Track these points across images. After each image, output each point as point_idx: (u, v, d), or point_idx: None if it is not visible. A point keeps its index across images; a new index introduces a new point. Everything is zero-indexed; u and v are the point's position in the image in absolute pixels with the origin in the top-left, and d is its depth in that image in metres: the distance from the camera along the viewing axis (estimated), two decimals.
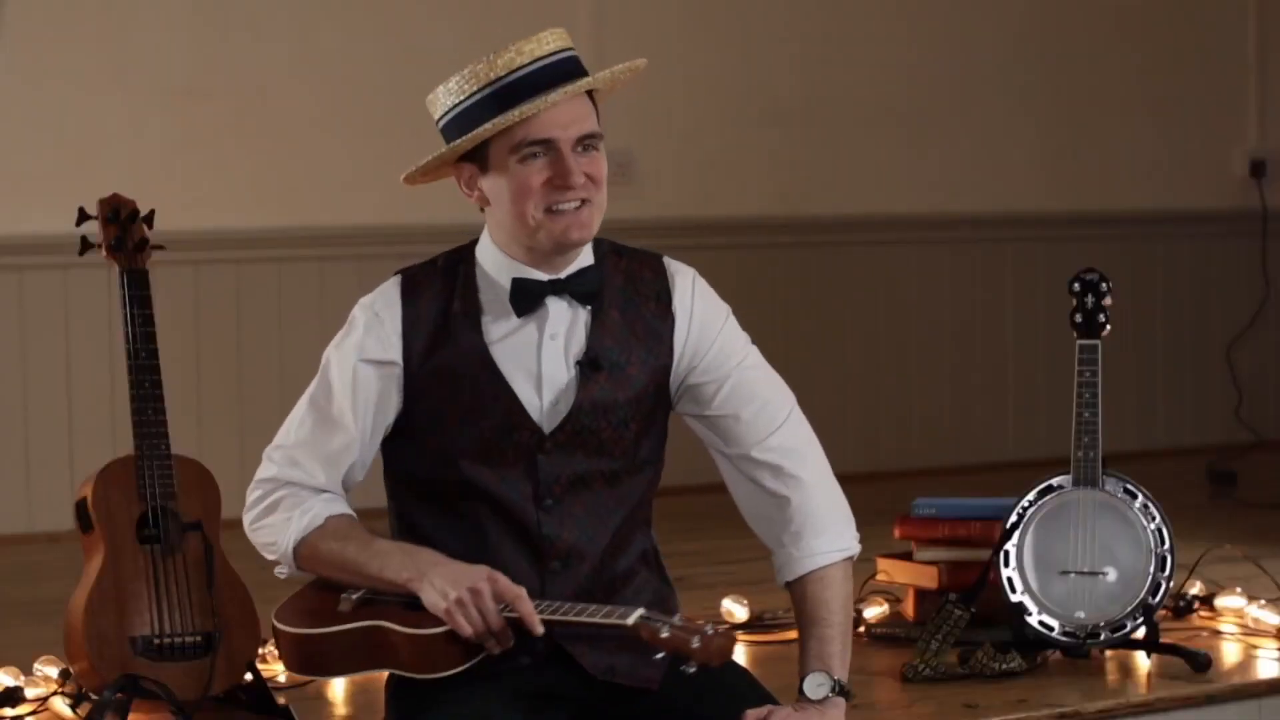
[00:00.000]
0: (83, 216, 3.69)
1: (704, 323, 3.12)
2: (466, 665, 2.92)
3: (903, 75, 7.04)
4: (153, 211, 3.71)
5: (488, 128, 2.95)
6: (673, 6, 6.72)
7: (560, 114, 2.95)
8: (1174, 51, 7.47)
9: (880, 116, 7.02)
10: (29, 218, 5.87)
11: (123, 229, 3.66)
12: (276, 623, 3.05)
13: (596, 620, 2.87)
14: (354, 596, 3.00)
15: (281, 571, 3.12)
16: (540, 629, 2.89)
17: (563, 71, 2.97)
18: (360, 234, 6.25)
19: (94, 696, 3.57)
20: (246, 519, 3.12)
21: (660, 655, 2.90)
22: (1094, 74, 7.35)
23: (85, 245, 3.70)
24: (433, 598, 2.91)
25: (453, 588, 2.89)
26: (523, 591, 2.90)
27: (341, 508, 3.08)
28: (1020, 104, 7.24)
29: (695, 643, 2.78)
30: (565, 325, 3.05)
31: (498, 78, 2.95)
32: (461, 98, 2.98)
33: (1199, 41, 7.51)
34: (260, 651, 3.82)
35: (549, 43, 2.98)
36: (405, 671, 2.96)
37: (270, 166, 6.21)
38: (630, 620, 2.84)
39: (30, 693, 3.86)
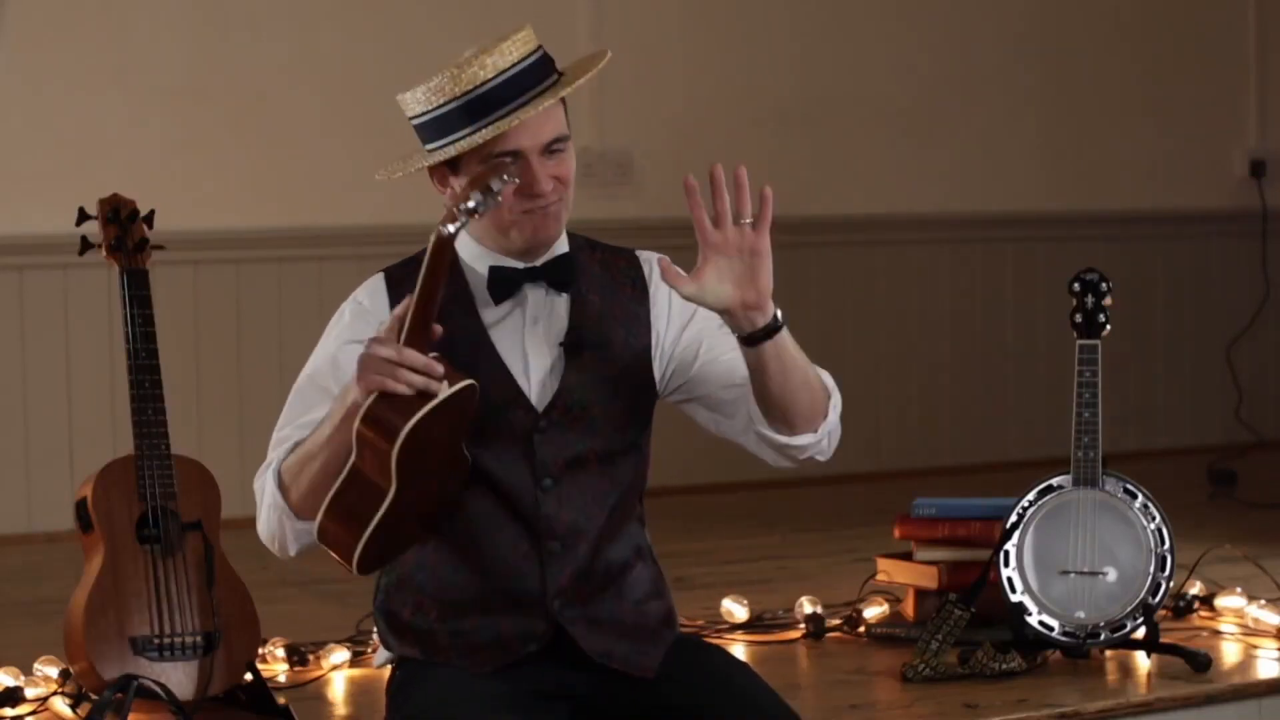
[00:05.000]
0: (83, 216, 3.69)
1: (682, 305, 3.13)
2: (429, 407, 2.80)
3: (903, 75, 7.05)
4: (153, 211, 3.71)
5: (462, 145, 2.98)
6: (673, 6, 6.72)
7: (527, 125, 2.99)
8: (1174, 51, 7.47)
9: (880, 116, 7.02)
10: (29, 218, 5.87)
11: (123, 229, 3.66)
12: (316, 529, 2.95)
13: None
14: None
15: (290, 549, 3.04)
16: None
17: (530, 80, 3.00)
18: (360, 234, 6.26)
19: (94, 696, 3.57)
20: (258, 520, 3.08)
21: None
22: (1094, 74, 7.35)
23: (85, 245, 3.70)
24: (357, 393, 2.83)
25: (357, 371, 2.83)
26: (395, 314, 2.84)
27: None
28: (1021, 104, 7.24)
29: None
30: (545, 311, 3.10)
31: (463, 92, 2.98)
32: (429, 108, 3.02)
33: (1199, 41, 7.51)
34: (260, 651, 3.82)
35: (511, 53, 3.00)
36: (397, 444, 2.80)
37: (270, 167, 6.21)
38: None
39: (30, 693, 3.87)
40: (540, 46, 3.04)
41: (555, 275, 3.09)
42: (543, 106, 2.98)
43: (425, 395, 2.81)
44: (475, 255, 3.11)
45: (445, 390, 2.82)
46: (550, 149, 3.02)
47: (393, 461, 2.80)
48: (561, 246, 3.12)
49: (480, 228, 3.08)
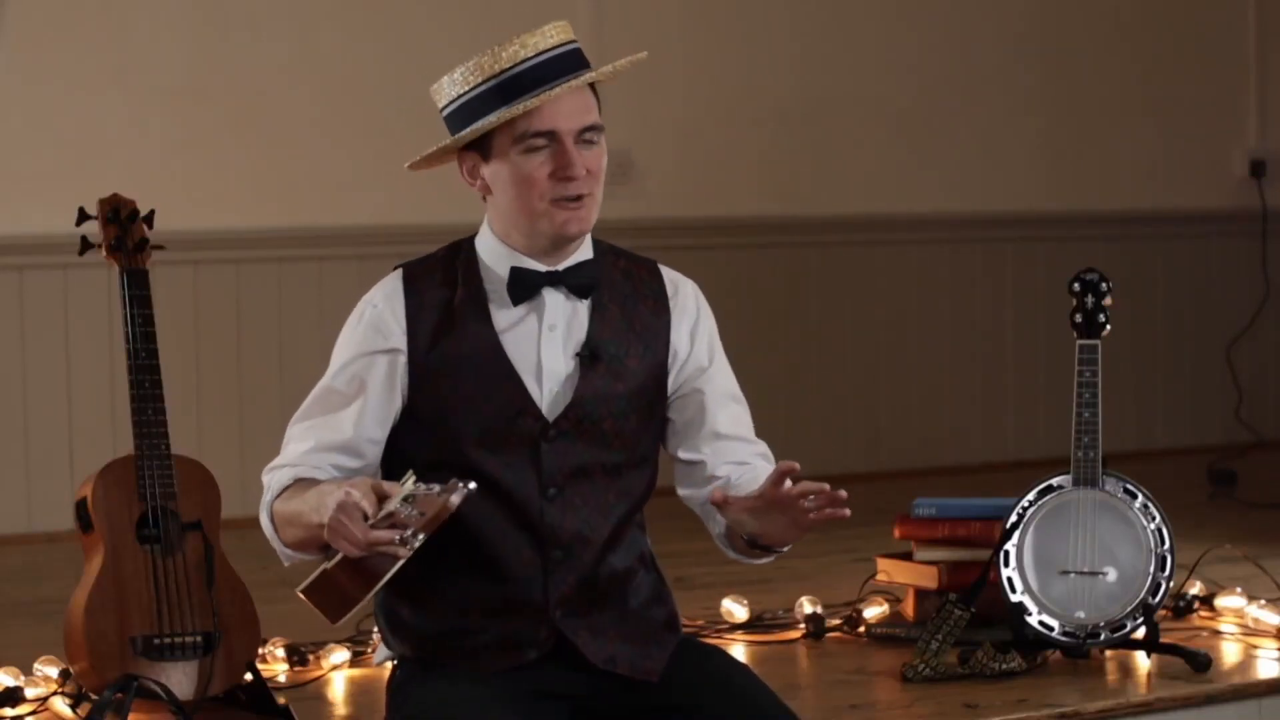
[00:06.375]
0: (83, 216, 3.69)
1: (710, 335, 3.19)
2: (394, 570, 2.84)
3: (903, 75, 7.04)
4: (153, 211, 3.71)
5: (492, 120, 2.99)
6: (673, 6, 6.72)
7: (563, 106, 2.99)
8: (1174, 51, 7.47)
9: (880, 116, 7.01)
10: (29, 218, 5.87)
11: (123, 229, 3.66)
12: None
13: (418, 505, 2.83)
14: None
15: (284, 561, 3.08)
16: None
17: (566, 64, 3.02)
18: (360, 234, 6.26)
19: (94, 696, 3.58)
20: (260, 513, 3.09)
21: None
22: (1094, 74, 7.35)
23: (85, 245, 3.70)
24: (328, 532, 2.84)
25: (328, 523, 2.82)
26: (366, 497, 2.81)
27: (318, 476, 3.05)
28: (1021, 104, 7.24)
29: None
30: (564, 317, 3.08)
31: (501, 70, 2.99)
32: (465, 89, 3.02)
33: (1199, 41, 7.51)
34: (260, 651, 3.82)
35: (552, 36, 3.02)
36: (360, 599, 2.87)
37: (270, 166, 6.21)
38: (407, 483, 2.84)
39: (30, 693, 3.86)
40: (575, 40, 3.05)
41: (576, 281, 3.08)
42: (575, 82, 2.99)
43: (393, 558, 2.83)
44: (496, 254, 3.08)
45: (408, 551, 2.82)
46: (585, 137, 3.02)
47: (360, 600, 2.85)
48: (585, 252, 3.10)
49: (506, 221, 3.06)
